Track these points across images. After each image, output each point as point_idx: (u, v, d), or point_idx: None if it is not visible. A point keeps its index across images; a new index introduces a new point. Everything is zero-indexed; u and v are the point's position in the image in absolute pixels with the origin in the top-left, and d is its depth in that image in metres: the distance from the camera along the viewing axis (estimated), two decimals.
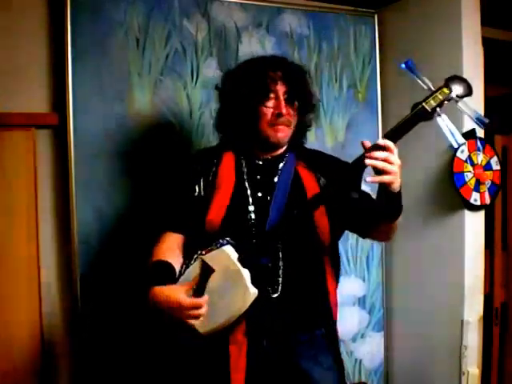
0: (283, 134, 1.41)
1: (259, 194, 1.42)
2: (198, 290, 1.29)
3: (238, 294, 1.28)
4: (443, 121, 1.17)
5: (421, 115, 1.18)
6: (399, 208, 1.31)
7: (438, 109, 1.17)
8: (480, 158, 2.06)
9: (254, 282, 1.27)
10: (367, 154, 1.19)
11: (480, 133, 2.05)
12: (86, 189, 1.86)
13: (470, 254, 2.09)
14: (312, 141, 2.04)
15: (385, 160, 1.18)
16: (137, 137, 1.95)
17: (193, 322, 1.26)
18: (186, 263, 1.38)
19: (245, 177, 1.44)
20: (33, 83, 1.89)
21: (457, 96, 1.17)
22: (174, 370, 1.50)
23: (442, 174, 2.11)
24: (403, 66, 1.22)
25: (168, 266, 1.35)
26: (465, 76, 1.98)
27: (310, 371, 1.39)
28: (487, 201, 2.09)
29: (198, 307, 1.26)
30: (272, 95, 1.40)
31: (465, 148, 2.03)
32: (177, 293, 1.26)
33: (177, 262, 1.39)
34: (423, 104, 1.17)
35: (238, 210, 1.40)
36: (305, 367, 1.39)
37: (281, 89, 1.40)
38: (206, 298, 1.27)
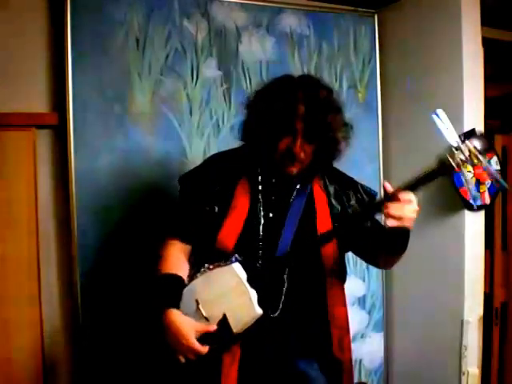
0: (294, 168, 1.37)
1: (270, 215, 1.41)
2: (206, 341, 1.30)
3: (243, 313, 1.29)
4: (463, 175, 1.24)
5: (445, 169, 1.23)
6: (406, 243, 1.33)
7: (461, 165, 1.22)
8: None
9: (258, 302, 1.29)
10: (389, 208, 1.23)
11: (480, 133, 2.05)
12: (86, 189, 1.86)
13: (469, 254, 2.09)
14: None
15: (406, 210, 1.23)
16: (137, 137, 1.95)
17: (183, 359, 1.30)
18: (192, 274, 1.38)
19: (260, 195, 1.42)
20: (33, 83, 1.89)
21: (479, 152, 1.21)
22: (170, 375, 1.50)
23: None
24: (434, 116, 1.24)
25: (179, 282, 1.36)
26: (465, 76, 2.03)
27: (306, 370, 1.39)
28: (487, 201, 2.09)
29: (198, 354, 1.29)
30: (290, 132, 1.33)
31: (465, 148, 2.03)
32: (190, 332, 1.28)
33: (185, 271, 1.40)
34: (450, 159, 1.21)
35: (249, 231, 1.39)
36: (301, 368, 1.40)
37: (300, 127, 1.31)
38: (206, 349, 1.29)
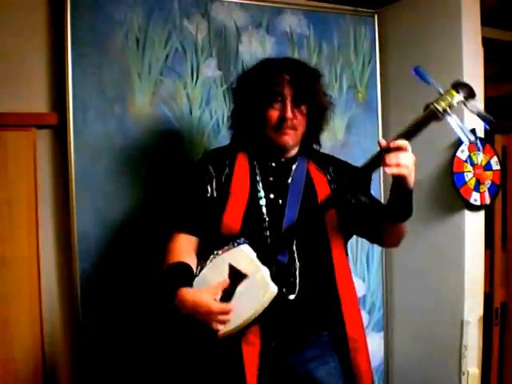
0: (288, 137, 1.42)
1: (271, 196, 1.43)
2: (227, 295, 1.28)
3: (258, 292, 1.27)
4: (453, 119, 1.24)
5: (433, 115, 1.24)
6: (410, 208, 1.34)
7: (448, 109, 1.23)
8: (480, 158, 2.06)
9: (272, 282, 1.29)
10: (386, 158, 1.24)
11: (480, 133, 2.05)
12: (86, 189, 1.86)
13: (469, 254, 2.09)
14: None
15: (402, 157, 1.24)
16: (137, 137, 1.95)
17: (218, 326, 1.26)
18: (201, 263, 1.38)
19: (258, 178, 1.45)
20: (33, 83, 1.89)
21: (464, 97, 1.25)
22: (182, 373, 1.49)
23: (442, 174, 2.11)
24: (413, 72, 1.31)
25: (188, 268, 1.35)
26: (465, 76, 2.03)
27: (315, 371, 1.40)
28: (487, 201, 2.09)
29: (226, 313, 1.26)
30: (279, 99, 1.40)
31: (465, 148, 2.03)
32: (206, 297, 1.26)
33: (193, 264, 1.39)
34: (435, 104, 1.23)
35: (252, 212, 1.40)
36: (311, 367, 1.40)
37: (288, 92, 1.39)
38: (233, 303, 1.27)
